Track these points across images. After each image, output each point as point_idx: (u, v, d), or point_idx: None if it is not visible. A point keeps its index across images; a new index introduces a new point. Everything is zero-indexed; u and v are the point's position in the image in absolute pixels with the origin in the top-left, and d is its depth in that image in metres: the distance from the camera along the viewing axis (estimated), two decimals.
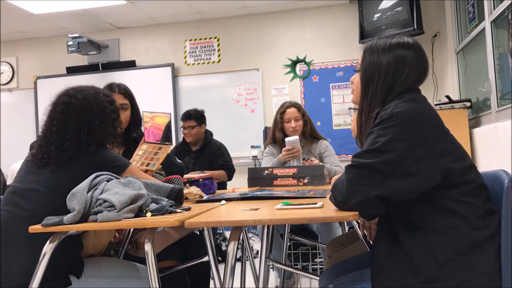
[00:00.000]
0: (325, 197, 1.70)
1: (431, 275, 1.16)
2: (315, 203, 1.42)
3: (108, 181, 1.45)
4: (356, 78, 1.45)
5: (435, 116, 1.28)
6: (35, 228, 1.32)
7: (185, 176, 2.40)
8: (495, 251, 1.17)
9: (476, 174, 1.25)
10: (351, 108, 1.98)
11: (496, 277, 1.16)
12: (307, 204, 1.44)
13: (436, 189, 1.19)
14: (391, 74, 1.33)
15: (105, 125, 1.64)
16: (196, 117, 3.69)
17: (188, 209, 1.49)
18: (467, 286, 1.14)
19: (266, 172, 2.53)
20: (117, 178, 1.50)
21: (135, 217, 1.36)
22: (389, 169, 1.18)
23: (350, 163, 1.26)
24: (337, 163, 2.94)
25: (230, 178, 3.83)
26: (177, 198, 1.57)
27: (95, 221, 1.33)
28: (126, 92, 2.25)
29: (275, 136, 3.03)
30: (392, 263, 1.22)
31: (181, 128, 3.78)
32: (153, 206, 1.42)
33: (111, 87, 2.23)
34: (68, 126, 1.60)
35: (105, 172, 1.49)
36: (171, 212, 1.42)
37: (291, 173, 2.49)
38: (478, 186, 1.23)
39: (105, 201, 1.35)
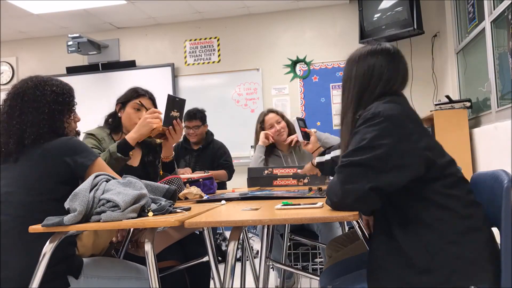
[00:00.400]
0: (325, 197, 1.70)
1: (423, 265, 1.19)
2: (315, 203, 1.43)
3: (107, 181, 1.45)
4: None
5: (415, 115, 1.34)
6: (35, 228, 1.32)
7: (185, 176, 2.41)
8: (483, 240, 1.22)
9: (456, 168, 1.32)
10: None
11: (484, 265, 1.18)
12: (307, 204, 1.44)
13: (422, 183, 1.25)
14: (358, 83, 1.41)
15: (46, 113, 1.59)
16: (200, 116, 3.71)
17: (188, 209, 1.49)
18: (458, 275, 1.17)
19: (266, 172, 2.53)
20: (114, 178, 1.50)
21: (137, 217, 1.36)
22: (379, 164, 1.22)
23: (340, 163, 1.30)
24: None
25: (230, 178, 3.84)
26: (172, 198, 1.58)
27: (98, 221, 1.32)
28: (153, 99, 2.30)
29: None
30: (388, 259, 1.25)
31: (184, 128, 3.76)
32: (153, 206, 1.42)
33: (136, 91, 2.25)
34: (12, 113, 1.58)
35: (103, 173, 1.49)
36: (171, 212, 1.42)
37: (291, 173, 2.49)
38: (459, 179, 1.29)
39: (108, 201, 1.34)
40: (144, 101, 2.23)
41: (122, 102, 2.25)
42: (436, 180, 1.26)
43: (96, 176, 1.44)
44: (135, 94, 2.23)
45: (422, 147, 1.25)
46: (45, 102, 1.60)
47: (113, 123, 2.25)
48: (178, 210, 1.45)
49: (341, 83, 1.51)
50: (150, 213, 1.37)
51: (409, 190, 1.25)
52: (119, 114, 2.26)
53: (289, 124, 3.00)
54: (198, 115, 3.71)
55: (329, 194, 1.32)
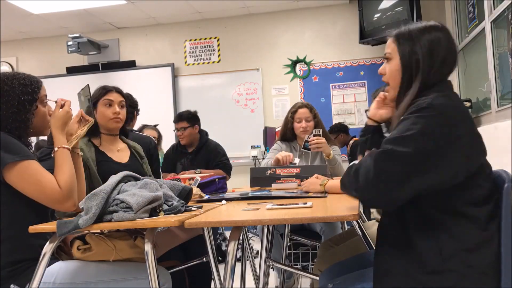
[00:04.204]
0: (326, 197, 1.70)
1: (434, 266, 1.16)
2: (305, 203, 1.43)
3: (125, 182, 1.45)
4: (388, 67, 1.38)
5: (469, 116, 1.26)
6: (35, 228, 1.32)
7: (185, 176, 2.40)
8: (496, 252, 1.18)
9: (490, 177, 1.25)
10: (367, 110, 1.91)
11: (494, 277, 1.16)
12: (297, 204, 1.44)
13: (451, 190, 1.19)
14: (427, 61, 1.29)
15: (16, 106, 1.57)
16: (188, 118, 3.60)
17: (200, 207, 1.50)
18: (467, 282, 1.14)
19: (268, 172, 2.52)
20: (136, 179, 1.50)
21: (149, 217, 1.36)
22: (420, 160, 1.14)
23: (381, 148, 1.19)
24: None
25: (228, 176, 3.80)
26: (187, 197, 1.59)
27: (110, 220, 1.32)
28: (121, 91, 2.26)
29: (285, 134, 3.03)
30: (398, 262, 1.23)
31: (175, 131, 3.71)
32: (165, 206, 1.42)
33: (103, 87, 2.22)
34: None
35: (129, 173, 1.49)
36: (185, 211, 1.43)
37: (294, 173, 2.48)
38: (491, 189, 1.23)
39: (121, 201, 1.34)
40: (112, 96, 2.19)
41: (94, 102, 2.16)
42: (467, 189, 1.19)
43: (120, 180, 1.44)
44: (102, 91, 2.19)
45: (467, 153, 1.17)
46: (14, 95, 1.59)
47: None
48: (193, 209, 1.46)
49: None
50: (161, 213, 1.37)
51: (435, 194, 1.19)
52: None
53: (318, 124, 2.99)
54: (185, 117, 3.60)
55: (348, 177, 1.23)
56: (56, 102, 1.70)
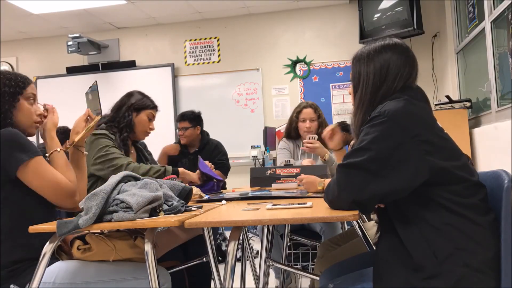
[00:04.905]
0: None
1: (430, 270, 1.16)
2: (305, 203, 1.43)
3: (125, 182, 1.45)
4: (350, 88, 1.49)
5: (424, 114, 1.29)
6: (35, 228, 1.32)
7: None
8: (493, 250, 1.18)
9: (470, 172, 1.26)
10: None
11: (492, 275, 1.16)
12: (298, 204, 1.45)
13: (428, 185, 1.21)
14: (373, 81, 1.36)
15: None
16: (190, 118, 3.57)
17: (200, 207, 1.50)
18: (465, 282, 1.14)
19: (269, 172, 2.53)
20: (136, 179, 1.50)
21: (149, 217, 1.36)
22: (376, 167, 1.20)
23: (342, 162, 1.29)
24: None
25: (225, 176, 3.80)
26: (187, 197, 1.59)
27: (110, 220, 1.32)
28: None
29: (290, 133, 3.07)
30: (394, 261, 1.23)
31: (177, 129, 3.70)
32: (165, 206, 1.42)
33: (152, 101, 2.43)
34: None
35: (129, 173, 1.49)
36: (185, 211, 1.44)
37: (294, 173, 2.48)
38: (474, 184, 1.24)
39: (121, 201, 1.34)
40: (155, 113, 2.44)
41: (139, 107, 2.38)
42: (444, 184, 1.21)
43: (120, 180, 1.44)
44: (151, 104, 2.41)
45: (426, 151, 1.19)
46: None
47: (124, 123, 2.34)
48: (193, 209, 1.46)
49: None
50: (161, 213, 1.38)
51: (414, 191, 1.21)
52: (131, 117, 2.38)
53: (322, 124, 3.00)
54: (187, 117, 3.58)
55: (326, 190, 1.34)
56: (44, 106, 1.72)
